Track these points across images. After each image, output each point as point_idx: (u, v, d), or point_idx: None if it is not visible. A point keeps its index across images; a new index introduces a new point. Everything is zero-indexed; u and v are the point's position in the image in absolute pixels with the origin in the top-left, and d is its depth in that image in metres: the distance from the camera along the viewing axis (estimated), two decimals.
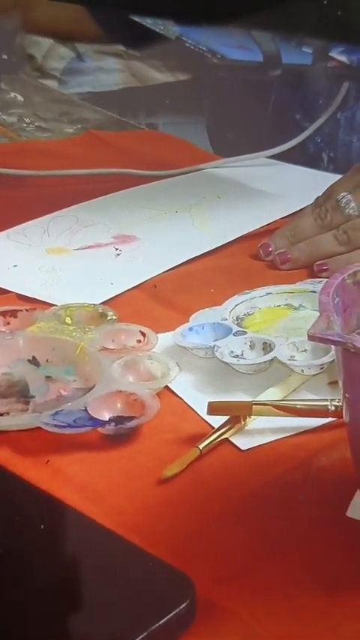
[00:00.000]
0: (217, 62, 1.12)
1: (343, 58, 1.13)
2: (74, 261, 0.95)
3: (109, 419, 0.69)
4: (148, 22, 1.09)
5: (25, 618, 0.53)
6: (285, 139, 1.13)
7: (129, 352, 0.76)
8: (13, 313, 0.81)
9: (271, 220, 1.01)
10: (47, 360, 0.76)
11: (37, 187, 1.11)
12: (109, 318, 0.81)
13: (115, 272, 0.92)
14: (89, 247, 0.97)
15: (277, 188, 1.08)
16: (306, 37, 1.07)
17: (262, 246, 0.93)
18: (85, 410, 0.69)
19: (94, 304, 0.83)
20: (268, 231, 0.98)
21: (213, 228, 1.00)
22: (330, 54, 1.12)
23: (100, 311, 0.82)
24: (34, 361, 0.76)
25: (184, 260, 0.94)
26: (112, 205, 1.06)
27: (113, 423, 0.68)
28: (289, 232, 0.93)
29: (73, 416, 0.68)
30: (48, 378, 0.75)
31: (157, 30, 1.09)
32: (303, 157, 1.14)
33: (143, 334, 0.78)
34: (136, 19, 1.07)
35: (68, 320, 0.81)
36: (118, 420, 0.69)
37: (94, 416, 0.68)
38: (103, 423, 0.68)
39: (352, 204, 0.91)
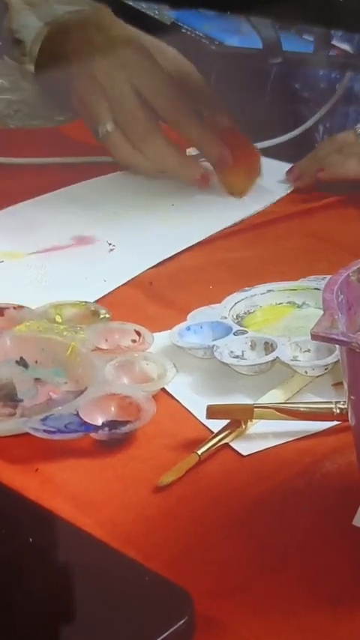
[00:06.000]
0: (215, 49, 1.12)
1: (345, 47, 1.13)
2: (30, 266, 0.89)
3: (103, 423, 0.67)
4: (142, 6, 1.08)
5: (14, 638, 0.52)
6: (285, 129, 1.12)
7: (123, 353, 0.75)
8: (0, 311, 0.79)
9: (257, 210, 1.00)
10: (36, 361, 0.75)
11: (27, 177, 1.09)
12: (101, 316, 0.80)
13: (81, 279, 0.88)
14: (47, 251, 0.92)
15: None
16: (306, 24, 1.06)
17: (288, 171, 1.04)
18: (77, 414, 0.67)
19: (85, 302, 0.82)
20: (263, 223, 0.98)
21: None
22: (332, 42, 1.12)
23: (93, 309, 0.81)
24: (22, 362, 0.75)
25: (152, 265, 0.90)
26: (71, 200, 1.01)
27: (107, 428, 0.67)
28: (310, 155, 1.04)
29: (63, 420, 0.67)
30: (37, 380, 0.73)
31: (152, 15, 1.08)
32: (303, 148, 1.13)
33: (138, 333, 0.77)
34: (130, 2, 1.07)
35: (58, 318, 0.79)
36: (111, 424, 0.67)
37: (87, 420, 0.67)
38: (95, 428, 0.67)
39: None
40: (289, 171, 1.04)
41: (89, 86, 1.00)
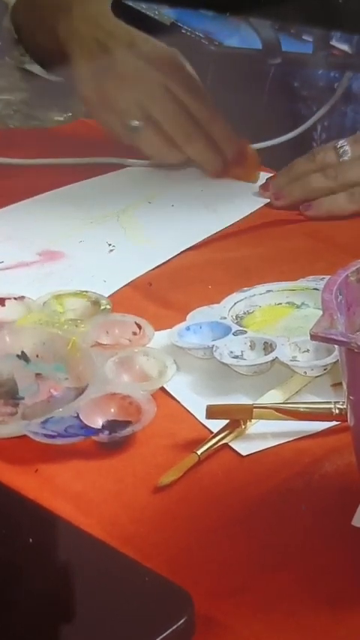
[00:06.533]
0: (214, 49, 1.12)
1: (345, 47, 1.12)
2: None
3: (103, 426, 0.67)
4: (142, 6, 1.08)
5: (14, 638, 0.52)
6: (285, 130, 1.12)
7: (123, 348, 0.74)
8: (1, 301, 0.79)
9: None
10: (37, 356, 0.74)
11: (27, 176, 1.09)
12: (102, 307, 0.79)
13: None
14: (9, 268, 0.88)
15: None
16: (306, 25, 1.06)
17: (262, 186, 1.01)
18: (77, 416, 0.67)
19: (86, 291, 0.81)
20: (262, 223, 0.98)
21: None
22: (331, 42, 1.12)
23: (94, 299, 0.80)
24: (23, 356, 0.74)
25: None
26: (36, 211, 0.98)
27: (107, 432, 0.67)
28: (286, 171, 1.02)
29: (64, 424, 0.66)
30: (38, 375, 0.73)
31: (152, 15, 1.08)
32: (302, 148, 1.13)
33: (139, 326, 0.77)
34: (130, 3, 1.06)
35: (60, 308, 0.79)
36: (111, 427, 0.67)
37: (87, 423, 0.67)
38: (96, 432, 0.67)
39: (349, 153, 0.99)
40: (263, 187, 1.01)
41: (119, 82, 1.03)
